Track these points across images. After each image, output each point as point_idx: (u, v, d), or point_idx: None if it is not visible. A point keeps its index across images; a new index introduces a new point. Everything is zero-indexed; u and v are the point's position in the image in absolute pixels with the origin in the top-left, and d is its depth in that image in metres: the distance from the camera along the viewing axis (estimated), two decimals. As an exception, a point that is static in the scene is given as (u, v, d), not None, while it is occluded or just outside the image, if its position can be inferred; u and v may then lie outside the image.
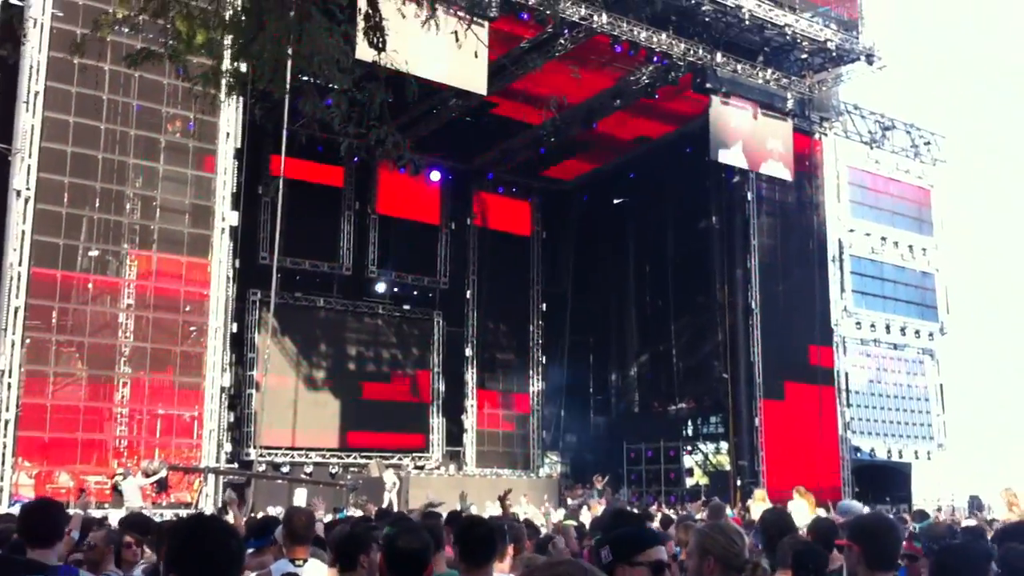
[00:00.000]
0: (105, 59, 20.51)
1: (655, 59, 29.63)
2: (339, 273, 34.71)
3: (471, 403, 37.60)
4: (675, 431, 36.65)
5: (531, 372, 39.40)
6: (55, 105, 22.69)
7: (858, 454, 34.53)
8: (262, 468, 30.01)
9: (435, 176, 36.43)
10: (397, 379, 35.90)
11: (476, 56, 18.89)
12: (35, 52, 22.34)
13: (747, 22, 29.64)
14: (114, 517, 13.90)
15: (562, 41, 28.43)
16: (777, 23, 30.23)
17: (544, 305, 39.96)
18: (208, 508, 22.83)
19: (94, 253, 23.36)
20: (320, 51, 9.41)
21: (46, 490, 21.83)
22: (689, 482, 35.75)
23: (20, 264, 21.74)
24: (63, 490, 22.03)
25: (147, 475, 22.93)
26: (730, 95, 30.26)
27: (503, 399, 38.78)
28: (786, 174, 32.12)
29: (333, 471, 32.41)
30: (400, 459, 32.93)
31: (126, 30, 10.03)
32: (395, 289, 36.07)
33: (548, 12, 25.85)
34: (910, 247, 37.50)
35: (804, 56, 31.88)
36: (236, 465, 28.54)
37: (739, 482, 32.20)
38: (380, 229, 35.77)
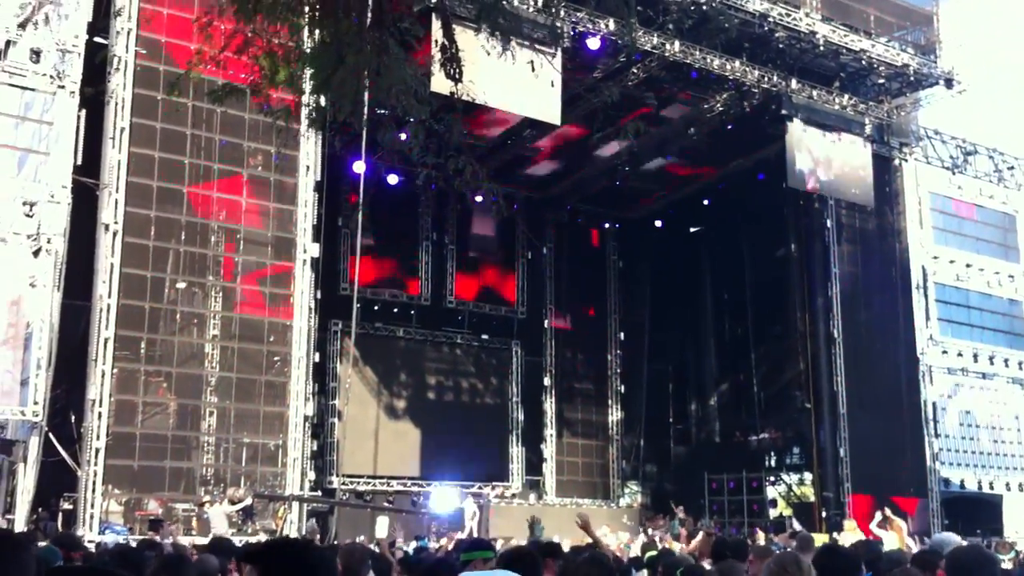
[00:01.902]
0: (188, 95, 21.17)
1: (729, 86, 29.58)
2: (418, 303, 35.08)
3: (550, 432, 37.61)
4: (757, 461, 36.14)
5: (610, 401, 39.28)
6: (140, 140, 23.39)
7: (947, 486, 33.72)
8: (345, 496, 30.31)
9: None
10: (476, 408, 36.08)
11: (552, 85, 19.08)
12: (120, 89, 23.03)
13: (822, 48, 29.46)
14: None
15: (635, 70, 28.54)
16: (853, 48, 29.97)
17: (622, 334, 39.87)
18: (293, 536, 23.15)
19: (181, 285, 23.95)
20: (398, 83, 9.62)
21: (134, 518, 22.32)
22: (773, 513, 35.15)
23: (109, 296, 22.36)
24: (151, 517, 22.48)
25: (233, 503, 23.29)
26: (807, 121, 30.02)
27: (582, 428, 38.68)
28: (866, 200, 31.70)
29: (415, 499, 32.60)
30: (480, 488, 33.00)
31: (209, 67, 10.33)
32: (473, 319, 36.30)
33: (621, 41, 25.99)
34: (996, 274, 36.72)
35: (881, 81, 31.55)
36: (319, 493, 28.86)
37: (824, 513, 31.62)
38: (458, 259, 36.13)
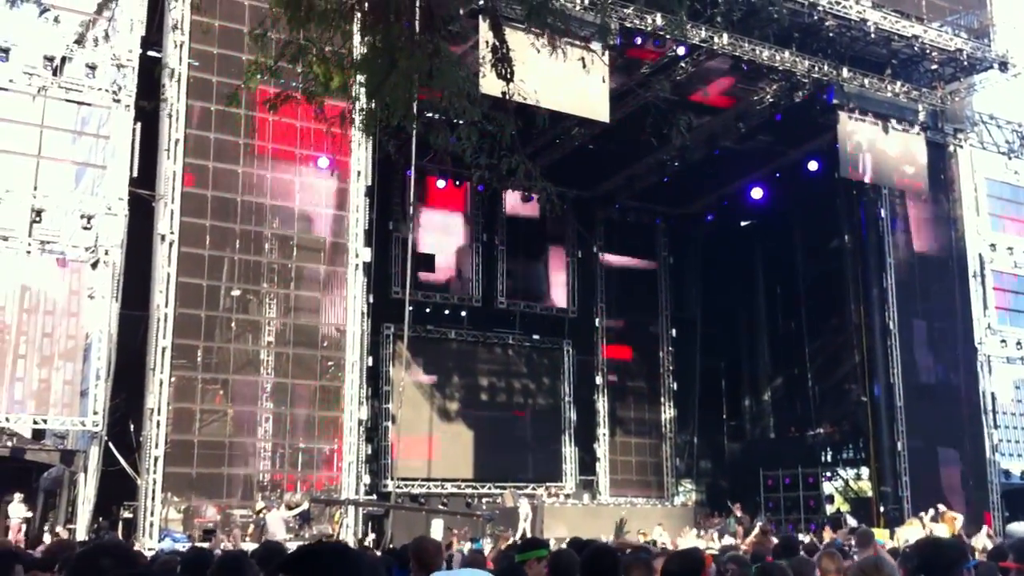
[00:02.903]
0: (240, 105, 21.34)
1: (779, 77, 29.26)
2: (469, 304, 35.10)
3: (603, 431, 37.43)
4: (813, 457, 35.74)
5: (663, 399, 39.03)
6: (195, 151, 23.64)
7: (1008, 477, 33.12)
8: (400, 499, 30.40)
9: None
10: (529, 408, 36.04)
11: (603, 81, 18.94)
12: (174, 101, 23.29)
13: (873, 35, 29.03)
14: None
15: (683, 64, 28.32)
16: (904, 35, 29.51)
17: (674, 331, 39.61)
18: (349, 539, 23.24)
19: (235, 293, 24.17)
20: (450, 86, 9.58)
21: (193, 525, 22.52)
22: (829, 509, 34.75)
23: (166, 305, 22.61)
24: (210, 524, 22.68)
25: (290, 508, 23.42)
26: (858, 110, 29.62)
27: (635, 427, 38.48)
28: (921, 188, 31.22)
29: (469, 501, 32.60)
30: (534, 489, 32.95)
31: (265, 77, 10.37)
32: (524, 319, 36.24)
33: (669, 36, 25.78)
34: (1054, 260, 35.98)
35: (934, 67, 31.05)
36: (375, 497, 28.96)
37: (882, 508, 31.22)
38: (508, 259, 36.10)
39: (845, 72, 29.44)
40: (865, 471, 33.71)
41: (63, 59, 22.58)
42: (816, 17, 27.87)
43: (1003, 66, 31.11)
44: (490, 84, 11.13)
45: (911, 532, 22.71)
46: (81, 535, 21.24)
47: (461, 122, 10.37)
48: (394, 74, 9.59)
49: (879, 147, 30.03)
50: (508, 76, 10.52)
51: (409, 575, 7.54)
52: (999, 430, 33.17)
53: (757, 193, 36.71)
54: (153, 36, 23.86)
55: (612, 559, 5.97)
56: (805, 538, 21.74)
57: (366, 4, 9.98)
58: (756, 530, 24.23)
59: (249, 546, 20.63)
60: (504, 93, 10.62)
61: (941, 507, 22.95)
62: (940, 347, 32.33)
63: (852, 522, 28.50)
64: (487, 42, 10.86)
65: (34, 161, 22.81)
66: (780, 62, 28.38)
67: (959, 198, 33.48)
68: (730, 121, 31.84)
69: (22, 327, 22.70)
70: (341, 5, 9.70)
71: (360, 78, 10.25)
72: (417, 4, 9.81)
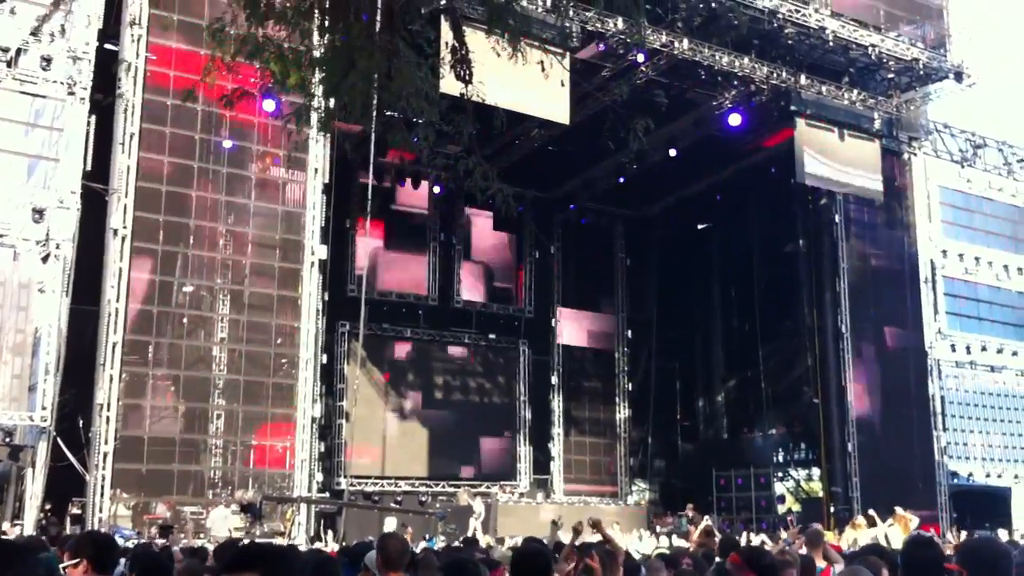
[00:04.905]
0: (197, 100, 21.11)
1: (737, 83, 29.47)
2: (425, 303, 35.02)
3: (558, 431, 37.54)
4: (765, 457, 36.11)
5: (618, 399, 39.20)
6: (149, 146, 23.37)
7: (955, 479, 33.63)
8: (353, 497, 30.28)
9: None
10: (484, 407, 36.04)
11: (562, 85, 18.96)
12: (130, 95, 23.00)
13: (831, 43, 29.34)
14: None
15: (643, 69, 28.43)
16: (862, 43, 29.85)
17: (629, 332, 39.82)
18: (301, 538, 23.12)
19: (188, 289, 23.94)
20: (408, 86, 9.55)
21: (143, 522, 22.29)
22: (781, 509, 35.10)
23: (118, 300, 22.34)
24: (160, 520, 22.46)
25: (241, 506, 23.26)
26: (816, 117, 29.92)
27: (590, 426, 38.63)
28: (875, 195, 31.61)
29: (422, 500, 32.56)
30: (488, 487, 32.96)
31: (222, 73, 10.27)
32: (481, 318, 36.23)
33: (630, 40, 25.88)
34: (1005, 267, 36.60)
35: (891, 76, 31.43)
36: (328, 494, 28.84)
37: (832, 508, 31.57)
38: (465, 259, 36.07)
39: (803, 79, 29.72)
40: (816, 472, 34.06)
41: (18, 51, 22.22)
42: (776, 24, 28.10)
43: (958, 76, 31.56)
44: (450, 84, 11.10)
45: (860, 533, 22.92)
46: (29, 530, 20.94)
47: (420, 121, 10.35)
48: (353, 73, 9.54)
49: (835, 153, 30.36)
50: (467, 78, 10.50)
51: (358, 574, 7.50)
52: (947, 432, 33.64)
53: (715, 195, 36.96)
54: (111, 29, 23.53)
55: (544, 559, 5.98)
56: (757, 538, 21.92)
57: (326, 3, 9.93)
58: (701, 526, 24.35)
59: (200, 544, 20.53)
60: (462, 94, 10.61)
61: (898, 509, 23.15)
62: (891, 351, 32.72)
63: (794, 521, 28.73)
64: (447, 43, 10.83)
65: (-15, 153, 22.46)
66: (740, 68, 28.59)
67: (912, 205, 33.93)
68: (688, 125, 32.02)
69: (-31, 320, 22.33)
70: (300, 3, 9.64)
71: (318, 76, 10.19)
72: (378, 4, 9.77)
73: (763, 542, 18.36)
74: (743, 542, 18.37)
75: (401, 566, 6.82)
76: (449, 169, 10.57)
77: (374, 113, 11.39)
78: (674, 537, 27.73)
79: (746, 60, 28.61)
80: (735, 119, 30.49)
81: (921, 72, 31.38)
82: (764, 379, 36.41)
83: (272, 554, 3.47)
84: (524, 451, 36.18)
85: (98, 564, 5.25)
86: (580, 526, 10.81)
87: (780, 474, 35.96)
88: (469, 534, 25.14)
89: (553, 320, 37.93)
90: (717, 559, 9.99)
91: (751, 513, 35.11)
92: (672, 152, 32.92)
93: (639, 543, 27.92)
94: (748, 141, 32.64)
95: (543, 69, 12.39)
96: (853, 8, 30.16)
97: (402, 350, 34.54)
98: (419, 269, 35.07)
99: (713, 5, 26.46)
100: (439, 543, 24.82)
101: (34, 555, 4.04)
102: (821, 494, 33.25)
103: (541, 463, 36.90)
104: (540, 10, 22.66)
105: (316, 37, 10.17)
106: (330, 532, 26.17)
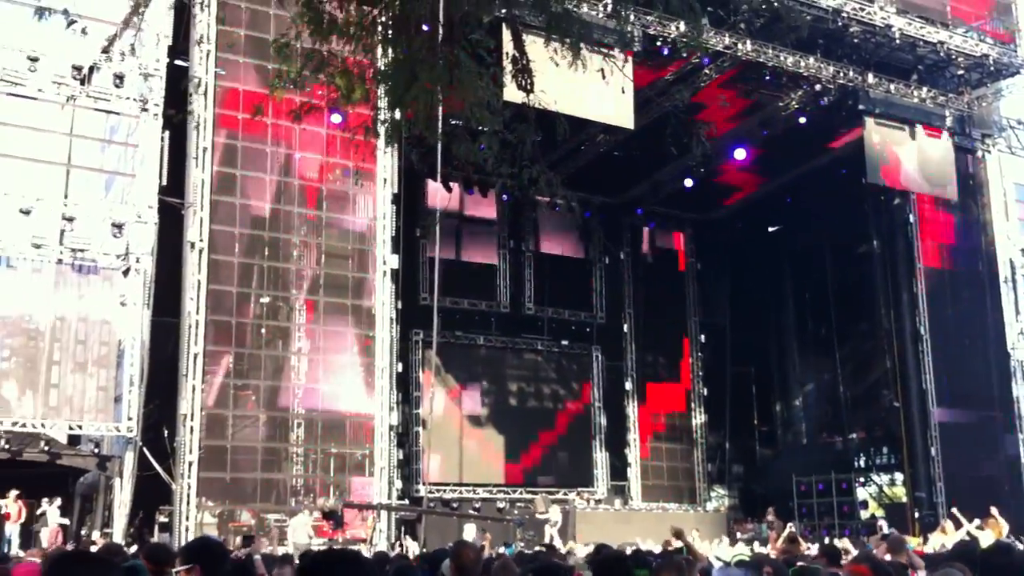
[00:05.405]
0: (267, 114, 21.61)
1: (803, 84, 29.27)
2: (497, 311, 35.30)
3: (634, 437, 37.45)
4: (846, 462, 35.54)
5: (693, 404, 39.01)
6: (222, 159, 23.99)
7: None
8: (431, 504, 30.58)
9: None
10: (559, 413, 36.13)
11: (623, 92, 19.04)
12: (201, 110, 23.60)
13: (898, 41, 29.01)
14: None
15: (707, 71, 28.39)
16: (929, 40, 29.48)
17: (703, 336, 39.61)
18: (382, 544, 23.46)
19: (265, 300, 24.46)
20: (471, 95, 9.74)
21: (228, 529, 22.79)
22: (864, 515, 34.56)
23: (197, 312, 22.94)
24: (244, 528, 22.93)
25: (323, 513, 23.63)
26: (884, 116, 29.57)
27: (667, 432, 38.47)
28: (949, 194, 31.12)
29: (500, 506, 32.73)
30: (565, 494, 33.02)
31: (289, 87, 10.60)
32: (553, 325, 36.37)
33: (692, 43, 25.87)
34: (1088, 264, 35.62)
35: (961, 72, 30.97)
36: (407, 501, 29.15)
37: (916, 514, 31.02)
38: (536, 266, 36.28)
39: (871, 78, 29.43)
40: (899, 476, 33.50)
41: (91, 69, 22.91)
42: (840, 23, 27.91)
43: (1030, 71, 31.01)
44: (512, 93, 11.29)
45: (948, 538, 22.44)
46: (118, 539, 21.56)
47: (483, 130, 10.53)
48: (415, 86, 9.77)
49: (906, 152, 29.97)
50: (528, 87, 10.69)
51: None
52: (1033, 435, 32.85)
53: (785, 197, 36.63)
54: (180, 45, 24.19)
55: (624, 566, 6.07)
56: (840, 545, 21.65)
57: (389, 17, 10.19)
58: (784, 536, 24.14)
59: (282, 550, 20.96)
60: (525, 103, 10.80)
61: (993, 510, 22.59)
62: (972, 353, 32.10)
63: (886, 529, 28.30)
64: (507, 53, 11.02)
65: (64, 170, 23.18)
66: (805, 68, 28.41)
67: (988, 203, 33.27)
68: (754, 127, 31.85)
69: (56, 334, 23.02)
70: (363, 17, 9.91)
71: (382, 89, 10.43)
72: (439, 16, 10.00)
73: (845, 549, 18.17)
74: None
75: (475, 574, 6.99)
76: (514, 177, 10.69)
77: (439, 124, 11.63)
78: (755, 544, 27.58)
79: (811, 60, 28.44)
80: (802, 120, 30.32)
81: (992, 68, 30.86)
82: (842, 383, 35.96)
83: (345, 560, 3.62)
84: (600, 457, 36.16)
85: (210, 571, 5.40)
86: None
87: (862, 479, 35.38)
88: (545, 541, 25.29)
89: (625, 325, 37.90)
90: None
91: (833, 519, 34.57)
92: (740, 154, 32.79)
93: (718, 549, 27.83)
94: (817, 142, 32.34)
95: (603, 77, 12.53)
96: (919, 5, 29.77)
97: (476, 357, 34.81)
98: (490, 276, 35.35)
99: (775, 5, 26.33)
100: (517, 549, 25.00)
101: (115, 564, 4.13)
102: (905, 499, 32.69)
103: (618, 469, 36.84)
104: (600, 15, 22.75)
105: (379, 51, 10.41)
106: (410, 539, 26.49)
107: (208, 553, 5.63)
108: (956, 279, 32.63)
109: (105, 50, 22.68)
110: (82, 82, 22.93)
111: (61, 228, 22.78)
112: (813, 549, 18.48)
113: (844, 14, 27.72)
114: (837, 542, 24.06)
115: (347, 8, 9.68)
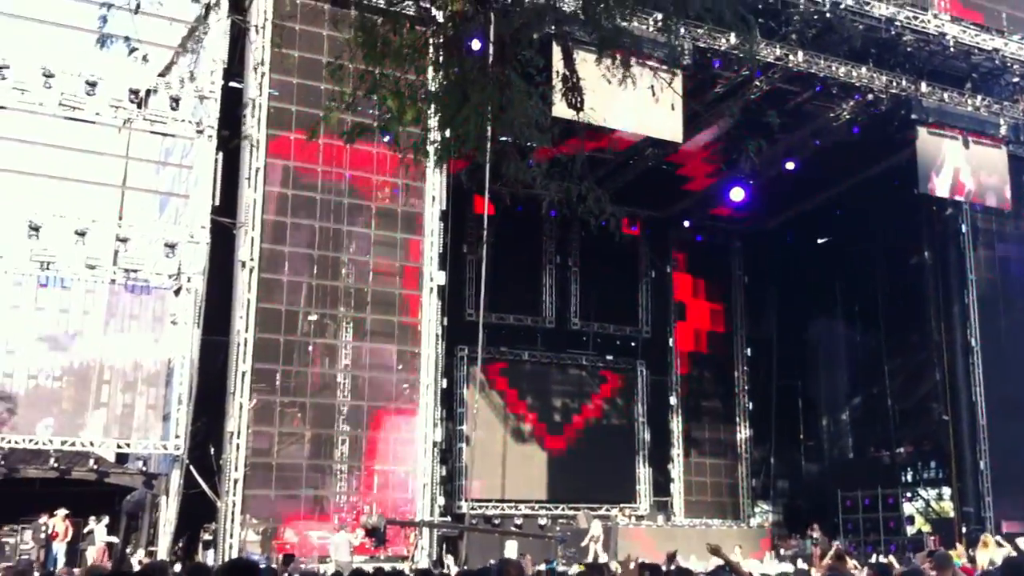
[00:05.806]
0: (319, 136, 21.65)
1: (855, 94, 28.92)
2: (543, 326, 35.15)
3: (678, 452, 37.13)
4: (893, 477, 35.00)
5: (738, 419, 38.62)
6: (274, 180, 24.09)
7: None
8: (474, 521, 30.46)
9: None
10: (602, 429, 35.89)
11: (672, 108, 18.86)
12: (254, 131, 23.76)
13: (952, 49, 28.64)
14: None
15: (757, 83, 28.11)
16: (984, 48, 29.08)
17: (749, 350, 39.23)
18: (424, 561, 23.36)
19: (313, 317, 24.50)
20: (520, 115, 9.65)
21: (272, 546, 22.78)
22: (910, 530, 34.00)
23: (247, 331, 23.01)
24: (288, 545, 22.91)
25: (365, 530, 23.56)
26: (938, 124, 29.16)
27: (710, 447, 38.10)
28: (1003, 203, 30.60)
29: (542, 523, 32.54)
30: (608, 510, 32.76)
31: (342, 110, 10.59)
32: (598, 340, 36.16)
33: (743, 56, 25.65)
34: None
35: (1015, 79, 30.52)
36: (449, 518, 29.06)
37: (964, 529, 30.45)
38: (582, 281, 36.09)
39: (924, 87, 29.07)
40: (947, 491, 32.95)
41: (147, 92, 23.20)
42: (893, 32, 27.61)
43: (1086, 79, 30.46)
44: (561, 109, 11.19)
45: (994, 553, 22.02)
46: (163, 556, 21.64)
47: (533, 146, 10.45)
48: (466, 107, 9.69)
49: (959, 162, 29.53)
50: (579, 105, 10.56)
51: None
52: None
53: (835, 209, 36.17)
54: (235, 67, 24.39)
55: None
56: (885, 561, 21.29)
57: (440, 39, 10.12)
58: (832, 553, 23.75)
59: (324, 568, 20.94)
60: (575, 120, 10.68)
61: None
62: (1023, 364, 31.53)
63: (932, 546, 27.90)
64: (557, 72, 10.91)
65: (119, 191, 23.45)
66: (857, 78, 28.08)
67: (1043, 212, 32.69)
68: (806, 137, 31.51)
69: (107, 353, 23.25)
70: (415, 40, 9.85)
71: (433, 110, 10.36)
72: (490, 36, 9.92)
73: (891, 565, 17.83)
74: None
75: None
76: (562, 194, 10.57)
77: (488, 144, 11.54)
78: (799, 560, 27.19)
79: (864, 70, 28.12)
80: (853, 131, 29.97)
81: (1048, 75, 30.36)
82: (891, 396, 35.37)
83: None
84: (644, 473, 35.89)
85: None
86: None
87: (909, 494, 34.82)
88: (589, 558, 25.08)
89: (671, 340, 37.61)
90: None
91: (879, 535, 34.02)
92: (789, 165, 32.43)
93: (762, 566, 27.49)
94: (868, 152, 31.91)
95: (653, 94, 12.39)
96: (975, 13, 29.36)
97: (520, 373, 34.66)
98: (536, 292, 35.23)
99: (827, 15, 26.05)
100: (560, 567, 24.83)
101: None
102: (952, 514, 32.12)
103: (661, 485, 36.54)
104: (651, 29, 22.59)
105: (431, 72, 10.36)
106: (451, 556, 26.39)
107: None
108: (1009, 290, 32.08)
109: (162, 74, 22.90)
110: (139, 105, 23.22)
111: (115, 248, 23.08)
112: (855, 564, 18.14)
113: (897, 23, 27.45)
114: (883, 559, 23.71)
115: (400, 31, 9.64)
